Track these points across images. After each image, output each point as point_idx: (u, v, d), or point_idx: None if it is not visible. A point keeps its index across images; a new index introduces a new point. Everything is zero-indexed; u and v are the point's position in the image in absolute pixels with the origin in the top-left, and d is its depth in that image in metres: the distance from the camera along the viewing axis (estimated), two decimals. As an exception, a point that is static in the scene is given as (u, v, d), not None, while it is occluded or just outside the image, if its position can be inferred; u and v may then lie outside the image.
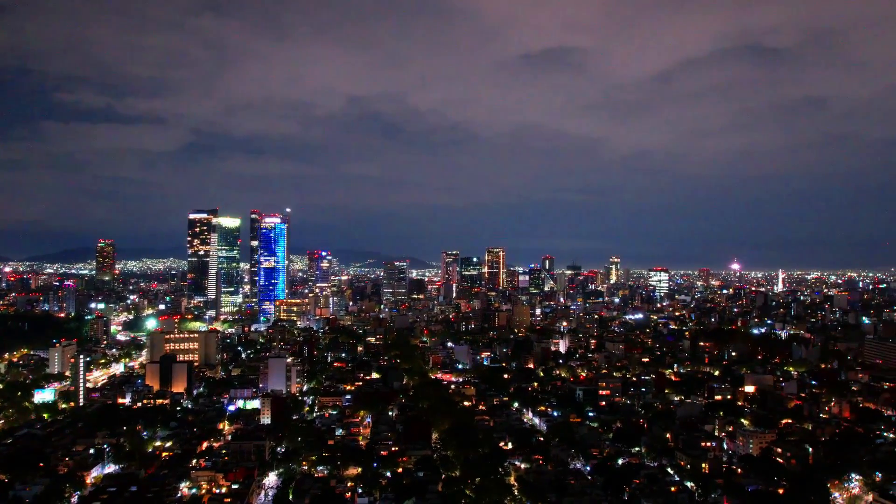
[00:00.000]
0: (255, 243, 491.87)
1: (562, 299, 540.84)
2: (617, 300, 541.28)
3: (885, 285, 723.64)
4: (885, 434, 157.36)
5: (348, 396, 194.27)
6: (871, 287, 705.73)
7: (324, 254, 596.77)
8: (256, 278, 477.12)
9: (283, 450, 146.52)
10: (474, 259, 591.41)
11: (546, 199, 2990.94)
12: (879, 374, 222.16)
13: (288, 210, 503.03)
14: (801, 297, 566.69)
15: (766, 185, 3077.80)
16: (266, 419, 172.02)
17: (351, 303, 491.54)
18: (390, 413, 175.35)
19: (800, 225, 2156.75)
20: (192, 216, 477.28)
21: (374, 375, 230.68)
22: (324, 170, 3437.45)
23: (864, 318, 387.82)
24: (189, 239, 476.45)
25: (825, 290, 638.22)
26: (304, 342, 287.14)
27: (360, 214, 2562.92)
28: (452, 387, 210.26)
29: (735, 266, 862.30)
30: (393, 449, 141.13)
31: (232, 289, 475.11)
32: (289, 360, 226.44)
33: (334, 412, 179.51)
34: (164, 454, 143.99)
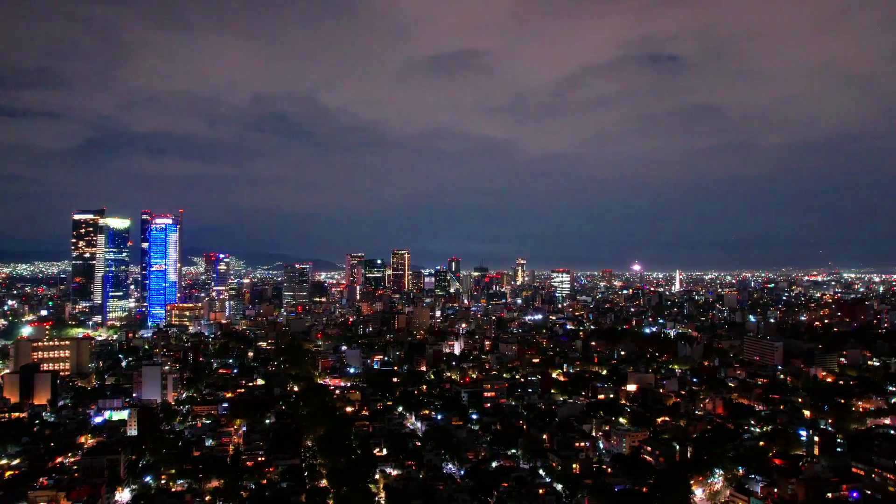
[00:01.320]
0: (145, 245, 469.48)
1: (466, 301, 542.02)
2: (520, 301, 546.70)
3: (773, 285, 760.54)
4: (753, 429, 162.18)
5: (225, 405, 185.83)
6: (761, 287, 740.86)
7: (221, 256, 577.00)
8: (146, 282, 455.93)
9: (143, 463, 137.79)
10: (378, 261, 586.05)
11: (456, 202, 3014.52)
12: (755, 371, 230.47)
13: (180, 210, 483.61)
14: (696, 297, 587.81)
15: (667, 188, 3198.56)
16: (133, 431, 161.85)
17: (249, 307, 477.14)
18: (267, 421, 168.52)
19: (699, 227, 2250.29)
20: (76, 217, 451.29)
21: (259, 382, 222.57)
22: (232, 170, 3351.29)
23: (751, 316, 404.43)
24: (73, 241, 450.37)
25: (719, 290, 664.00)
26: (190, 348, 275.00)
27: (269, 216, 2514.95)
28: (337, 392, 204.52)
29: (637, 267, 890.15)
30: (259, 459, 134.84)
31: (121, 293, 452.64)
32: (166, 367, 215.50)
33: (208, 421, 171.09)
34: (7, 473, 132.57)
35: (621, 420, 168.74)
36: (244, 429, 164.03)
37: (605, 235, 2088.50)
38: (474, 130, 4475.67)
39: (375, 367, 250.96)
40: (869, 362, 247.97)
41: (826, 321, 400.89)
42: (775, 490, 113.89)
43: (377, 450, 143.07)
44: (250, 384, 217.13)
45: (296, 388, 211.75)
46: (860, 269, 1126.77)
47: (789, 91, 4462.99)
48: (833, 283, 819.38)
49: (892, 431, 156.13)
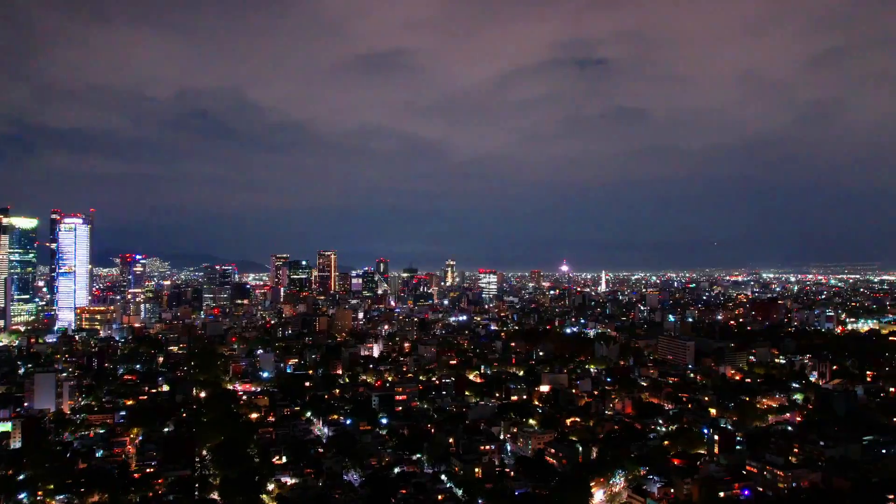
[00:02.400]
0: (54, 246, 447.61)
1: (392, 302, 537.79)
2: (446, 302, 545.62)
3: (694, 285, 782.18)
4: (660, 428, 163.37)
5: (123, 413, 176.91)
6: (683, 287, 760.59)
7: (138, 257, 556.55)
8: (55, 284, 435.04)
9: (21, 478, 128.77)
10: (304, 262, 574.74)
11: (387, 202, 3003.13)
12: (667, 370, 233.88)
13: (91, 210, 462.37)
14: (620, 297, 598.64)
15: (596, 190, 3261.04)
16: (17, 443, 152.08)
17: (167, 310, 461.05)
18: (166, 430, 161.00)
19: (627, 228, 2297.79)
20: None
21: (165, 388, 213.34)
22: (157, 168, 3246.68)
23: (670, 316, 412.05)
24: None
25: (643, 290, 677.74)
26: (95, 353, 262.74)
27: (196, 216, 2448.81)
28: (245, 398, 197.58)
29: (565, 268, 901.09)
30: (148, 470, 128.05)
31: (27, 296, 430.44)
32: (64, 374, 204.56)
33: (102, 431, 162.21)
34: None
35: (531, 421, 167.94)
36: (141, 438, 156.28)
37: (536, 236, 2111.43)
38: (406, 130, 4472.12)
39: (289, 371, 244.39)
40: (776, 360, 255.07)
41: (741, 320, 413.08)
42: (672, 491, 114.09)
43: (277, 458, 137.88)
44: (154, 391, 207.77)
45: (202, 395, 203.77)
46: (779, 270, 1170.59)
47: (713, 96, 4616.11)
48: (752, 283, 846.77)
49: (790, 428, 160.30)
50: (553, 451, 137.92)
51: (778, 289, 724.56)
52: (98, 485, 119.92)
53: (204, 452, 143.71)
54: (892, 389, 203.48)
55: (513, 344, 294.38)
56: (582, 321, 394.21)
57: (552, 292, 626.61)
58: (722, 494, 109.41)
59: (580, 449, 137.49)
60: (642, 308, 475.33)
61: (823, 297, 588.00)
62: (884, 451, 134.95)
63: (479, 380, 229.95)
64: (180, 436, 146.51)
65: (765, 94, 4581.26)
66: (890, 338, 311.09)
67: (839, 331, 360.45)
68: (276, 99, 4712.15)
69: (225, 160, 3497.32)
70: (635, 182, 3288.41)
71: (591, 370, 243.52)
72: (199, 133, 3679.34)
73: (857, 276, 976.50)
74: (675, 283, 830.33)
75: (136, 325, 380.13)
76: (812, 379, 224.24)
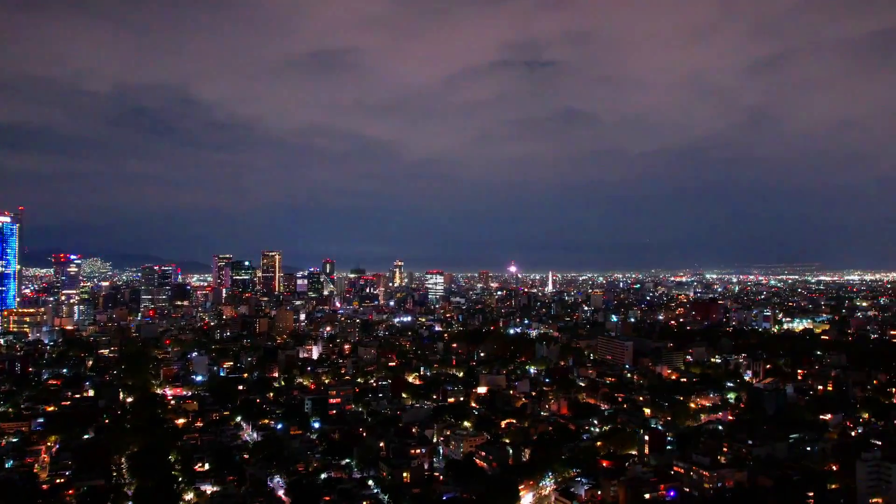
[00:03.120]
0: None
1: (337, 303, 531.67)
2: (392, 303, 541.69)
3: (639, 285, 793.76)
4: (594, 429, 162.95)
5: (41, 420, 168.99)
6: (628, 287, 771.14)
7: (72, 257, 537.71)
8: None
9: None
10: (247, 263, 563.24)
11: (335, 202, 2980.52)
12: (605, 370, 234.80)
13: (20, 208, 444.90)
14: (566, 298, 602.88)
15: (545, 191, 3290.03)
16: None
17: (102, 311, 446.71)
18: (85, 437, 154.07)
19: (576, 229, 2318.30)
20: None
21: (90, 393, 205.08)
22: (100, 166, 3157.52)
23: (613, 316, 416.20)
24: None
25: (589, 291, 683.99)
26: (18, 358, 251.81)
27: (140, 216, 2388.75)
28: (173, 402, 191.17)
29: (513, 268, 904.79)
30: (59, 481, 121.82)
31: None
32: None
33: (15, 440, 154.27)
34: None
35: (466, 424, 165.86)
36: (58, 446, 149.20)
37: (486, 237, 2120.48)
38: (355, 130, 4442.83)
39: (223, 374, 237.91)
40: (713, 360, 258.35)
41: (681, 320, 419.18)
42: (599, 492, 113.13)
43: (199, 465, 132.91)
44: (77, 396, 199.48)
45: (129, 400, 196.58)
46: (722, 271, 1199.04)
47: (660, 99, 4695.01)
48: (695, 283, 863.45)
49: (721, 427, 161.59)
50: (483, 453, 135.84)
51: (720, 289, 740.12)
52: (3, 497, 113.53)
53: (122, 460, 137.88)
54: (820, 387, 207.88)
55: (454, 345, 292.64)
56: (526, 322, 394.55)
57: (499, 293, 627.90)
58: (648, 496, 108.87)
59: (510, 451, 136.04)
60: (586, 308, 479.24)
61: (762, 297, 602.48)
62: (808, 448, 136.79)
63: (418, 382, 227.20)
64: (98, 443, 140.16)
65: (710, 97, 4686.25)
66: (822, 337, 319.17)
67: (775, 330, 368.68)
68: (220, 96, 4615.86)
69: (169, 158, 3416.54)
70: (584, 184, 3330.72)
71: (531, 371, 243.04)
72: (140, 130, 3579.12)
73: (796, 277, 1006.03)
74: (621, 284, 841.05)
75: (68, 327, 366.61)
76: (746, 378, 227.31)
